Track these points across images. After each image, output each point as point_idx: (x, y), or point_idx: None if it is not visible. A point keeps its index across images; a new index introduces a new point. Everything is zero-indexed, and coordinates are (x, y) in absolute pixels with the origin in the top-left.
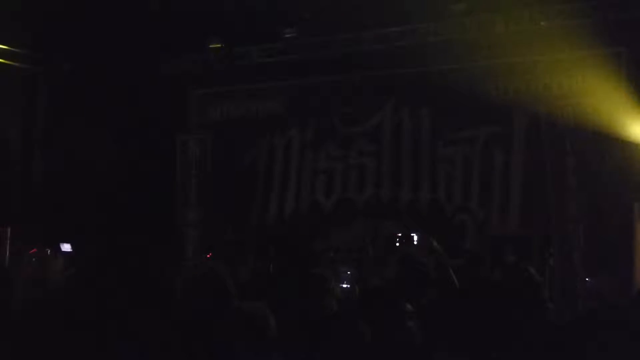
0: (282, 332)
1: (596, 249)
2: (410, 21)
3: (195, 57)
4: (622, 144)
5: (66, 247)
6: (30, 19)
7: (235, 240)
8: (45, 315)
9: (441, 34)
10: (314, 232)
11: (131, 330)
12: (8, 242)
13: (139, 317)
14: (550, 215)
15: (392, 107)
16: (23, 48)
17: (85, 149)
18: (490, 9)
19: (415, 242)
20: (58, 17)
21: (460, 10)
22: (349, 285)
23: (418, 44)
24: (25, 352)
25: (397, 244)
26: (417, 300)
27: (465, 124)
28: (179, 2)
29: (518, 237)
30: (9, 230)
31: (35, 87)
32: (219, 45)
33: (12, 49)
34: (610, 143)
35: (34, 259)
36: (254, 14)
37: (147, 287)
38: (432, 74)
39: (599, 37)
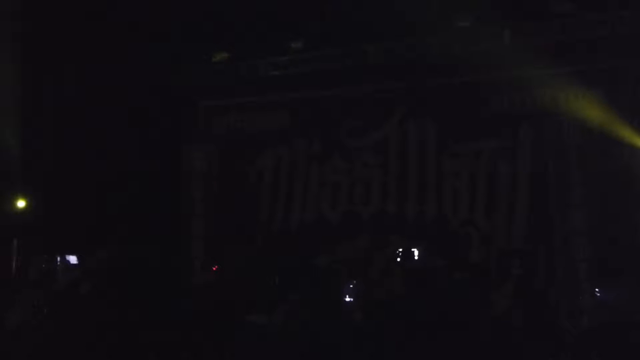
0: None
1: (604, 262)
2: (417, 34)
3: (202, 70)
4: (628, 158)
5: (72, 259)
6: (37, 27)
7: (241, 253)
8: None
9: (447, 47)
10: (319, 245)
11: (142, 339)
12: (15, 252)
13: (149, 326)
14: (555, 229)
15: (398, 120)
16: (26, 56)
17: (90, 160)
18: (496, 22)
19: (416, 257)
20: (65, 26)
21: (466, 24)
22: (352, 299)
23: (424, 56)
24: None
25: (399, 259)
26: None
27: (470, 137)
28: (187, 15)
29: (524, 250)
30: (15, 241)
31: (39, 98)
32: (226, 56)
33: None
34: (616, 158)
35: (43, 265)
36: (261, 28)
37: (157, 297)
38: (438, 86)
39: (607, 51)
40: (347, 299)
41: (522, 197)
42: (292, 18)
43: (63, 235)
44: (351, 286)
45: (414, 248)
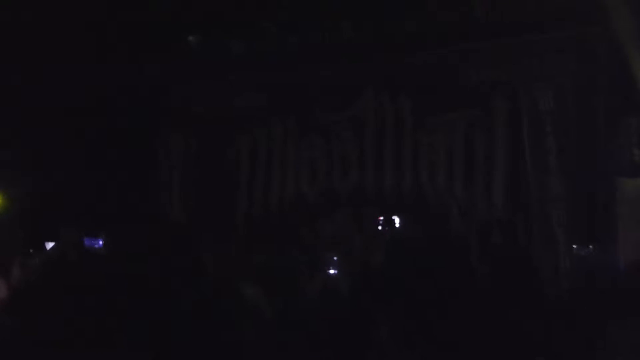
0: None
1: (581, 225)
2: (390, 9)
3: (176, 51)
4: (602, 122)
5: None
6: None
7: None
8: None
9: (419, 20)
10: (299, 222)
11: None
12: None
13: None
14: (532, 196)
15: (372, 94)
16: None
17: (63, 146)
18: None
19: (397, 225)
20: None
21: None
22: (336, 271)
23: (397, 30)
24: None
25: (380, 228)
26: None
27: (445, 108)
28: None
29: (503, 218)
30: None
31: (13, 88)
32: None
33: None
34: (590, 122)
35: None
36: (232, 6)
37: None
38: (412, 59)
39: (578, 18)
40: (332, 271)
41: (499, 166)
42: None
43: (42, 223)
44: (335, 259)
45: (395, 217)
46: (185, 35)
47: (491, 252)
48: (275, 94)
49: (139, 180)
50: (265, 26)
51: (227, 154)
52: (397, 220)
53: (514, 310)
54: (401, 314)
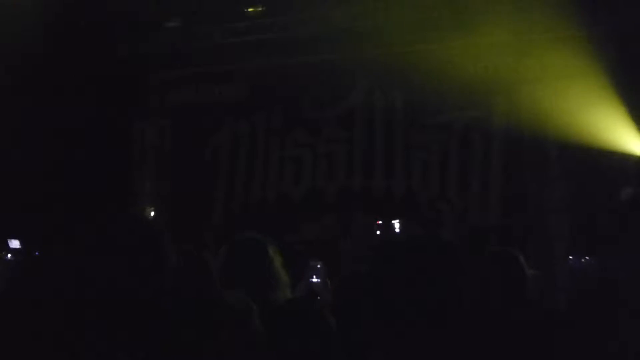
0: None
1: (583, 236)
2: None
3: (154, 38)
4: (605, 126)
5: (14, 244)
6: None
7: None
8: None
9: (415, 12)
10: (281, 224)
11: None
12: None
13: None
14: (530, 205)
15: (364, 90)
16: None
17: (34, 135)
18: None
19: (397, 230)
20: None
21: None
22: (319, 280)
23: (390, 22)
24: None
25: (378, 232)
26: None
27: (441, 108)
28: None
29: (499, 227)
30: None
31: None
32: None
33: None
34: (593, 125)
35: None
36: None
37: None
38: (407, 54)
39: (580, 17)
40: (315, 280)
41: (496, 172)
42: None
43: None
44: (318, 266)
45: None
46: (165, 21)
47: (484, 261)
48: (259, 86)
49: (114, 171)
50: (250, 13)
51: (206, 148)
52: (386, 225)
53: (508, 322)
54: (389, 325)
